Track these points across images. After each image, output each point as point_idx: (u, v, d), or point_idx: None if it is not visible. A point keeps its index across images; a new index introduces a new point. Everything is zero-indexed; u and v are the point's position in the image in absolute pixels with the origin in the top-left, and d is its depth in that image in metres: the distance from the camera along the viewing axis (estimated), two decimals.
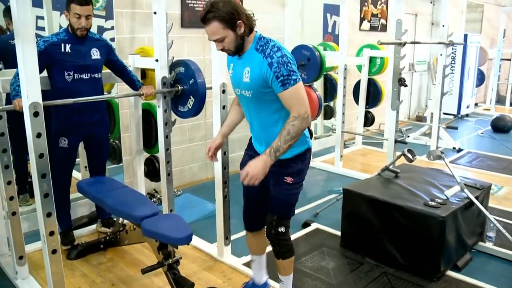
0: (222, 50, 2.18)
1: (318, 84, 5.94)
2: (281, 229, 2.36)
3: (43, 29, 4.12)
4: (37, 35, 3.61)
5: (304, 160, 2.37)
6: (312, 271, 3.06)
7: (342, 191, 3.48)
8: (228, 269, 3.07)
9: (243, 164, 2.38)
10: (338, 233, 3.51)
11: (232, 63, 2.32)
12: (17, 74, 2.81)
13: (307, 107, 2.10)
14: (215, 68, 2.92)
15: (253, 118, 2.33)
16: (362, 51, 6.12)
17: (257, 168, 2.07)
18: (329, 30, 6.81)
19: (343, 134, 5.39)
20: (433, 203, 3.02)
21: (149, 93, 3.23)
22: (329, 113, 6.51)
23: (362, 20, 7.08)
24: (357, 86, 6.21)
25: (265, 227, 2.44)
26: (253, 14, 2.19)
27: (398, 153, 4.02)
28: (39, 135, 2.16)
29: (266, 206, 2.44)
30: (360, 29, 7.06)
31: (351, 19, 6.31)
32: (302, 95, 2.10)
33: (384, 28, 7.52)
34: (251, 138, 2.51)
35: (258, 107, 2.25)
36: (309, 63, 5.01)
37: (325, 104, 6.23)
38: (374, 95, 6.14)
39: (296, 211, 4.10)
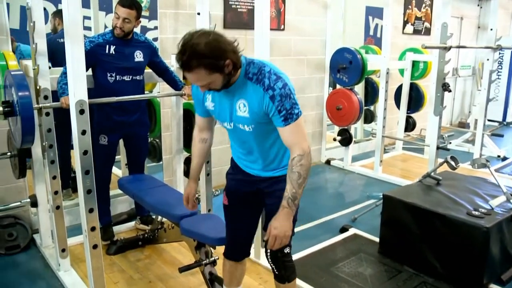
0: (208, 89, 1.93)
1: (359, 88, 5.86)
2: (287, 250, 2.15)
3: (89, 29, 4.23)
4: (85, 36, 3.70)
5: None
6: (349, 277, 3.01)
7: (381, 196, 3.42)
8: (264, 271, 3.06)
9: (230, 190, 2.27)
10: (377, 239, 3.45)
11: (210, 94, 2.05)
12: (63, 73, 2.90)
13: (308, 141, 1.92)
14: None
15: (252, 148, 2.09)
16: (405, 54, 6.01)
17: (285, 226, 1.85)
18: (371, 33, 6.71)
19: (384, 139, 5.30)
20: (476, 213, 2.93)
21: (191, 93, 3.25)
22: (369, 117, 6.42)
23: (405, 23, 6.95)
24: (398, 90, 6.10)
25: (268, 250, 2.13)
26: (237, 43, 1.89)
27: (440, 160, 3.92)
28: (84, 132, 2.21)
29: (254, 233, 2.37)
30: (403, 32, 6.93)
31: (394, 22, 6.20)
32: (304, 129, 1.92)
33: (428, 31, 7.35)
34: (232, 160, 2.28)
35: (260, 138, 2.04)
36: (350, 66, 4.95)
37: (365, 108, 6.14)
38: (416, 100, 6.01)
39: (334, 216, 4.13)
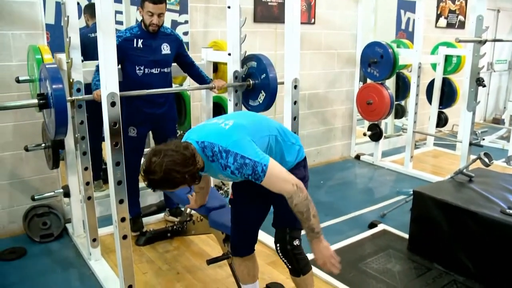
0: None
1: (390, 82, 5.77)
2: (296, 242, 2.16)
3: (121, 23, 4.29)
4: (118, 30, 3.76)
5: (306, 166, 2.28)
6: (377, 273, 2.98)
7: (411, 192, 3.37)
8: None
9: (236, 184, 2.28)
10: (406, 235, 3.40)
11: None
12: (97, 70, 2.95)
13: (291, 179, 1.92)
14: (288, 63, 2.90)
15: None
16: (438, 49, 5.88)
17: (322, 252, 2.00)
18: (403, 27, 6.60)
19: (414, 134, 5.21)
20: (511, 211, 2.86)
21: (220, 86, 3.27)
22: (400, 112, 6.32)
23: (438, 16, 6.80)
24: (430, 85, 5.98)
25: (277, 244, 2.19)
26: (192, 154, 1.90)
27: (472, 156, 3.84)
28: (115, 124, 2.24)
29: (259, 227, 2.36)
30: (436, 26, 6.78)
31: (427, 15, 6.08)
32: (279, 175, 1.92)
33: (462, 25, 7.18)
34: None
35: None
36: (382, 60, 4.88)
37: (396, 102, 6.04)
38: (448, 95, 5.89)
39: (363, 211, 4.10)
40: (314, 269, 2.86)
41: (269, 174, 1.88)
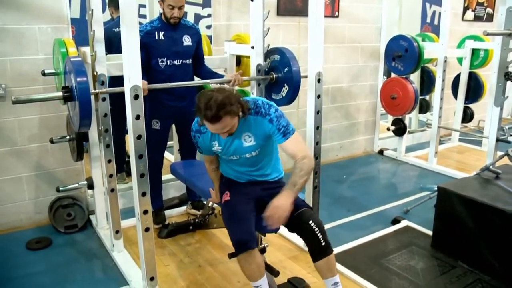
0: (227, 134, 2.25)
1: (415, 77, 5.68)
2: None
3: (144, 16, 4.31)
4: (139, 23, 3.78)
5: None
6: (399, 270, 2.95)
7: (435, 188, 3.31)
8: None
9: (233, 185, 2.53)
10: (429, 232, 3.35)
11: (215, 140, 2.39)
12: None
13: (307, 149, 2.34)
14: (311, 56, 2.88)
15: (259, 165, 2.49)
16: (464, 42, 5.75)
17: (284, 205, 2.15)
18: (428, 20, 6.47)
19: (439, 130, 5.12)
20: None
21: (239, 78, 3.24)
22: (424, 107, 6.21)
23: (465, 9, 6.65)
24: (456, 80, 5.86)
25: (310, 222, 2.25)
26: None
27: (499, 153, 3.75)
28: (138, 117, 2.25)
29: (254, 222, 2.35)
30: (462, 19, 6.63)
31: (453, 8, 5.95)
32: (303, 142, 2.37)
33: (490, 17, 7.01)
34: (227, 181, 2.60)
35: (263, 157, 2.46)
36: (406, 54, 4.80)
37: (421, 97, 5.94)
38: (474, 90, 5.76)
39: (386, 207, 4.06)
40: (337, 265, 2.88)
41: (296, 135, 2.31)
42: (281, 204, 2.14)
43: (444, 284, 2.81)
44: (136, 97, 2.23)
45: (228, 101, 2.09)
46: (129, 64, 2.21)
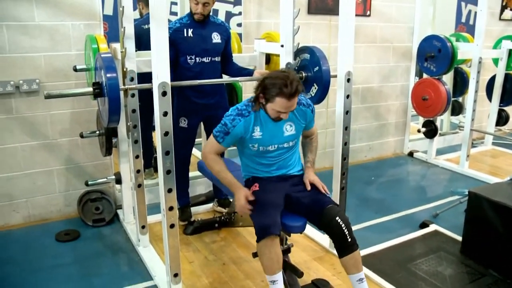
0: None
1: (448, 78, 5.56)
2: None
3: (176, 14, 4.34)
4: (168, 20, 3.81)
5: None
6: (427, 276, 2.88)
7: (466, 193, 3.22)
8: (338, 262, 2.96)
9: (261, 179, 2.55)
10: (459, 238, 3.26)
11: (257, 125, 2.42)
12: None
13: None
14: (341, 55, 2.84)
15: (286, 157, 2.56)
16: (501, 43, 5.57)
17: (312, 175, 2.53)
18: (463, 20, 6.33)
19: (472, 133, 4.99)
20: None
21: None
22: (457, 109, 6.07)
23: (503, 8, 6.46)
24: (491, 81, 5.69)
25: (337, 218, 2.30)
26: None
27: None
28: (165, 114, 2.26)
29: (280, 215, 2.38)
30: (500, 19, 6.45)
31: (490, 7, 5.77)
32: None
33: None
34: (254, 179, 2.57)
35: (293, 147, 2.58)
36: (439, 54, 4.69)
37: (453, 99, 5.82)
38: (510, 92, 5.58)
39: (414, 210, 3.98)
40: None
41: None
42: (315, 177, 2.51)
43: None
44: (164, 93, 2.24)
45: (299, 79, 2.32)
46: (158, 61, 2.22)
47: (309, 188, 2.46)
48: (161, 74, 2.23)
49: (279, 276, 2.28)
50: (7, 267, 2.99)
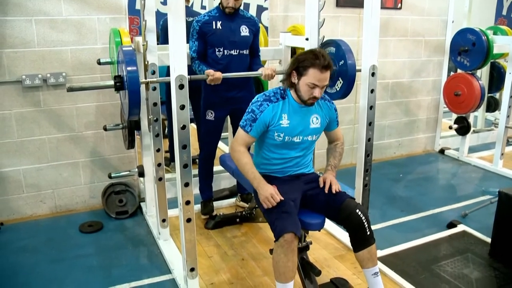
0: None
1: (483, 72, 5.36)
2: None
3: (204, 7, 4.32)
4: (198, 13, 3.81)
5: None
6: (451, 278, 2.78)
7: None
8: None
9: (278, 180, 2.49)
10: (488, 239, 3.14)
11: (285, 113, 2.40)
12: (192, 57, 3.10)
13: None
14: (366, 49, 2.76)
15: (306, 153, 2.55)
16: None
17: (332, 177, 2.47)
18: (504, 12, 6.09)
19: (507, 130, 4.80)
20: None
21: (268, 74, 3.12)
22: (493, 105, 5.85)
23: None
24: None
25: (357, 210, 2.28)
26: None
27: None
28: (182, 107, 2.25)
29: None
30: None
31: None
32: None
33: None
34: (266, 178, 2.41)
35: (313, 145, 2.60)
36: (473, 48, 4.53)
37: (489, 95, 5.61)
38: None
39: (442, 209, 3.87)
40: (384, 268, 2.77)
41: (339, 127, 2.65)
42: (332, 178, 2.46)
43: None
44: (181, 86, 2.23)
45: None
46: (175, 54, 2.20)
47: (321, 185, 2.44)
48: (178, 67, 2.21)
49: (291, 285, 2.21)
50: (31, 256, 3.06)
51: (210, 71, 2.92)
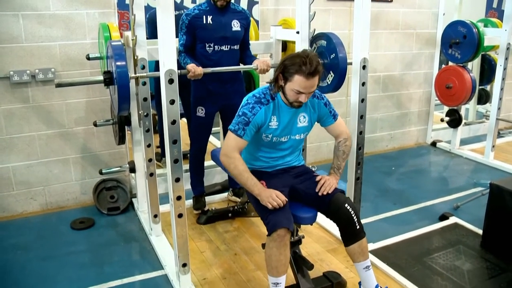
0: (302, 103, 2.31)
1: (474, 65, 5.38)
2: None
3: (194, 1, 4.28)
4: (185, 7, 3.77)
5: None
6: (443, 270, 2.79)
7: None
8: None
9: (269, 174, 2.48)
10: (480, 231, 3.15)
11: (275, 115, 2.35)
12: (183, 51, 3.03)
13: (347, 129, 2.58)
14: (357, 42, 2.75)
15: (294, 150, 2.52)
16: None
17: (334, 181, 2.42)
18: (494, 5, 6.11)
19: (498, 122, 4.82)
20: None
21: (263, 68, 3.10)
22: (484, 98, 5.87)
23: None
24: None
25: (345, 205, 2.27)
26: None
27: None
28: (172, 102, 2.22)
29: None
30: None
31: None
32: (344, 123, 2.58)
33: None
34: (254, 173, 2.37)
35: (302, 141, 2.55)
36: (464, 41, 4.53)
37: (480, 87, 5.63)
38: None
39: (434, 202, 3.88)
40: (376, 261, 2.77)
41: (340, 118, 2.55)
42: (331, 179, 2.40)
43: None
44: (170, 81, 2.20)
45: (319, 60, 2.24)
46: (164, 48, 2.18)
47: (318, 186, 2.37)
48: (168, 61, 2.19)
49: (283, 279, 2.23)
50: (22, 254, 3.03)
51: (190, 66, 2.85)
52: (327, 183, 2.36)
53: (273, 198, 2.21)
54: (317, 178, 2.42)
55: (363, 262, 2.31)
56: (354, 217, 2.26)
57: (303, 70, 2.16)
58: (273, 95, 2.35)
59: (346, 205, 2.27)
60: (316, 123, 2.53)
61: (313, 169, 2.72)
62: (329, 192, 2.33)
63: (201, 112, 3.27)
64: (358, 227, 2.27)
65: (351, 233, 2.28)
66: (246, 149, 2.45)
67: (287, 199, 2.26)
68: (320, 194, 2.34)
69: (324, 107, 2.46)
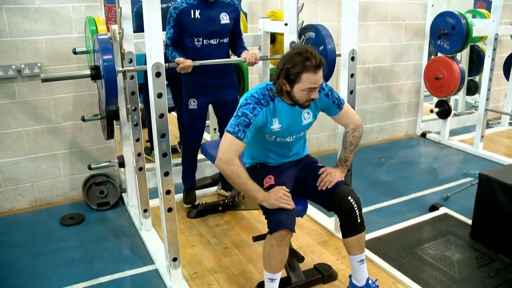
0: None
1: (463, 56, 5.39)
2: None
3: None
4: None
5: None
6: (434, 260, 2.81)
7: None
8: (343, 247, 2.91)
9: (276, 170, 2.41)
10: (469, 221, 3.17)
11: (275, 117, 2.26)
12: (166, 44, 2.99)
13: (357, 115, 2.48)
14: (345, 33, 2.73)
15: (299, 145, 2.47)
16: None
17: (338, 175, 2.37)
18: None
19: (487, 113, 4.84)
20: None
21: (251, 61, 3.08)
22: (473, 88, 5.90)
23: None
24: (509, 60, 5.52)
25: (349, 197, 2.25)
26: None
27: None
28: (160, 95, 2.20)
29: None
30: None
31: None
32: (352, 108, 2.52)
33: None
34: (262, 167, 2.43)
35: (305, 135, 2.49)
36: (453, 32, 4.54)
37: (469, 78, 5.66)
38: None
39: (424, 193, 3.90)
40: (367, 252, 2.77)
41: (347, 106, 2.46)
42: (335, 173, 2.36)
43: (482, 278, 2.65)
44: (158, 74, 2.18)
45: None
46: (151, 42, 2.15)
47: (320, 179, 2.34)
48: (155, 54, 2.17)
49: (279, 275, 2.25)
50: (11, 251, 3.00)
51: (179, 59, 2.84)
52: (328, 178, 2.33)
53: (281, 197, 2.16)
54: (320, 171, 2.38)
55: (358, 255, 2.32)
56: (357, 210, 2.25)
57: (309, 65, 2.08)
58: (272, 96, 2.24)
59: (349, 197, 2.25)
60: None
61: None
62: (329, 187, 2.30)
63: (193, 104, 3.22)
64: (359, 220, 2.27)
65: (351, 226, 2.28)
66: (253, 147, 2.40)
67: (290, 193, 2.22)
68: (319, 189, 2.32)
69: (326, 98, 2.35)
